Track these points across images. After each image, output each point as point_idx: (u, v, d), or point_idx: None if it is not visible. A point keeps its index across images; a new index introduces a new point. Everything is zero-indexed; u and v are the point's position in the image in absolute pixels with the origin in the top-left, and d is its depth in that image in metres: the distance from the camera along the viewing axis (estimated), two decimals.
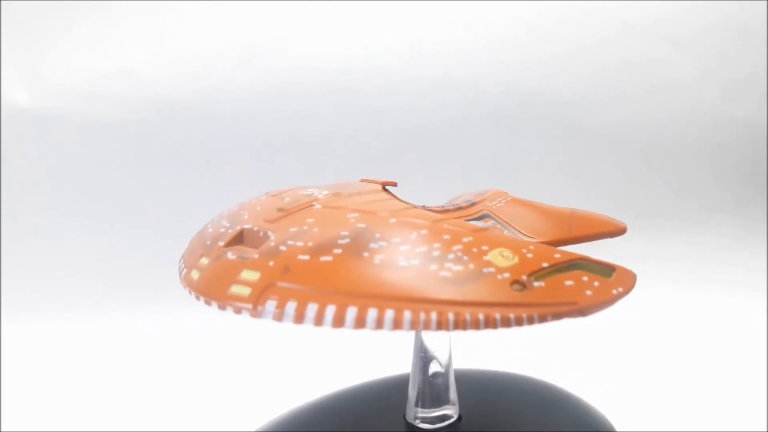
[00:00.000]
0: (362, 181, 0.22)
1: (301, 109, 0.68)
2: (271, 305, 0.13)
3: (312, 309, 0.13)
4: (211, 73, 0.68)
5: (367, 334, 0.13)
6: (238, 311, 0.13)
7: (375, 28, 0.71)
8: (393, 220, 0.15)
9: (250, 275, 0.14)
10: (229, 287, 0.14)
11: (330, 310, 0.13)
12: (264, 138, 0.67)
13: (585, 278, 0.15)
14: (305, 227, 0.15)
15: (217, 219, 0.18)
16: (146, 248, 0.56)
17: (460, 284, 0.14)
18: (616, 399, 0.32)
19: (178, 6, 0.68)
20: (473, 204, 0.21)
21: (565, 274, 0.15)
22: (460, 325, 0.13)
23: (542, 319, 0.14)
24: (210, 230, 0.17)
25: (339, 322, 0.12)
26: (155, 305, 0.47)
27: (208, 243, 0.16)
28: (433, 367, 0.21)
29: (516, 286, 0.14)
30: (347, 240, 0.14)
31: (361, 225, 0.15)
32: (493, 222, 0.21)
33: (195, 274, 0.15)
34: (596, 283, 0.15)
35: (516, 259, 0.15)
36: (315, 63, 0.69)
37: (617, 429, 0.29)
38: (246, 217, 0.16)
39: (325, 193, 0.18)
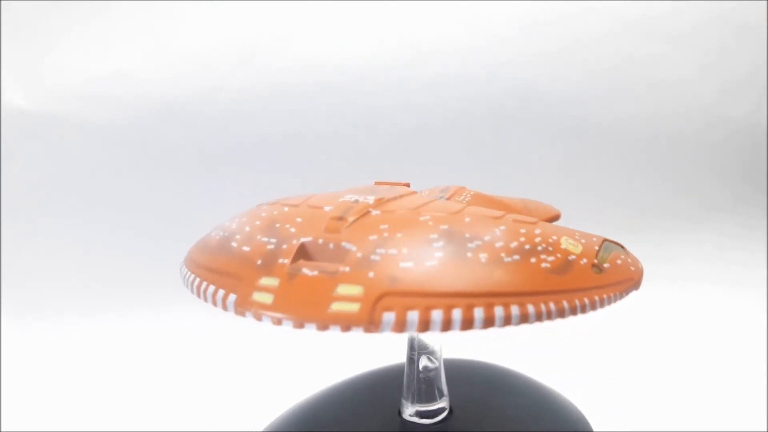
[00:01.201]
0: (377, 183, 0.21)
1: (300, 109, 0.68)
2: (388, 317, 0.12)
3: (437, 314, 0.12)
4: (210, 74, 0.68)
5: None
6: (346, 329, 0.13)
7: (374, 28, 0.71)
8: (468, 219, 0.15)
9: (350, 290, 0.13)
10: (329, 306, 0.13)
11: (457, 314, 0.13)
12: (263, 138, 0.67)
13: (622, 256, 0.17)
14: (385, 234, 0.14)
15: (243, 236, 0.16)
16: (144, 249, 0.56)
17: (561, 273, 0.14)
18: (616, 399, 0.32)
19: (175, 7, 0.68)
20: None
21: (611, 254, 0.16)
22: (571, 311, 0.14)
23: (620, 297, 0.15)
24: (245, 249, 0.15)
25: (468, 324, 0.13)
26: (153, 306, 0.47)
27: (260, 262, 0.14)
28: (427, 362, 0.21)
29: (595, 269, 0.15)
30: (441, 243, 0.14)
31: (443, 227, 0.15)
32: None
33: (264, 297, 0.14)
34: (629, 259, 0.17)
35: (580, 246, 0.16)
36: (314, 63, 0.69)
37: (618, 429, 0.29)
38: (293, 230, 0.15)
39: (369, 197, 0.17)
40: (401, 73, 0.71)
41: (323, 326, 0.13)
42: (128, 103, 0.66)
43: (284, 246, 0.15)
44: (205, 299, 0.15)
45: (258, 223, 0.16)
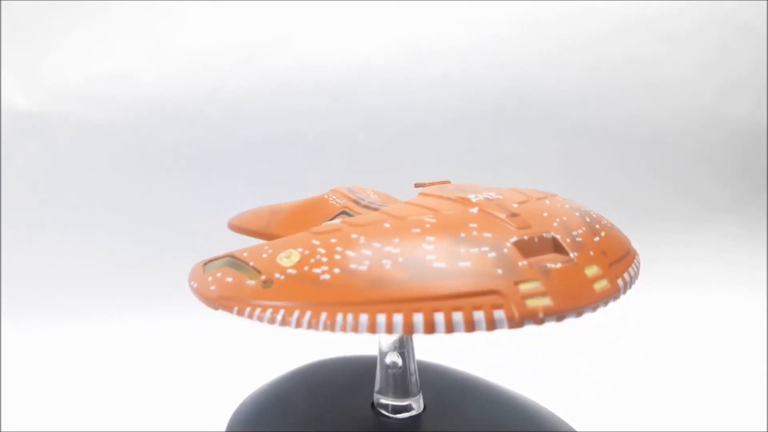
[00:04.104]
0: (416, 185, 0.22)
1: (301, 109, 0.68)
2: (620, 283, 0.16)
3: (633, 270, 0.17)
4: (209, 75, 0.68)
5: None
6: (605, 304, 0.15)
7: (374, 29, 0.71)
8: (559, 197, 0.19)
9: (593, 270, 0.15)
10: (593, 289, 0.15)
11: (633, 268, 0.17)
12: (263, 139, 0.67)
13: None
14: (557, 220, 0.17)
15: (442, 254, 0.15)
16: (144, 249, 0.56)
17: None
18: (618, 397, 0.32)
19: (175, 8, 0.68)
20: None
21: None
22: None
23: None
24: (464, 264, 0.14)
25: (636, 275, 0.17)
26: (153, 306, 0.47)
27: (500, 272, 0.14)
28: (401, 359, 0.22)
29: None
30: (587, 218, 0.18)
31: (567, 206, 0.18)
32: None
33: (542, 301, 0.14)
34: None
35: None
36: (314, 63, 0.69)
37: (620, 429, 0.29)
38: (489, 235, 0.15)
39: (490, 194, 0.18)
40: (401, 73, 0.71)
41: (595, 308, 0.14)
42: (128, 103, 0.66)
43: (504, 250, 0.15)
44: (451, 329, 0.13)
45: (432, 238, 0.15)
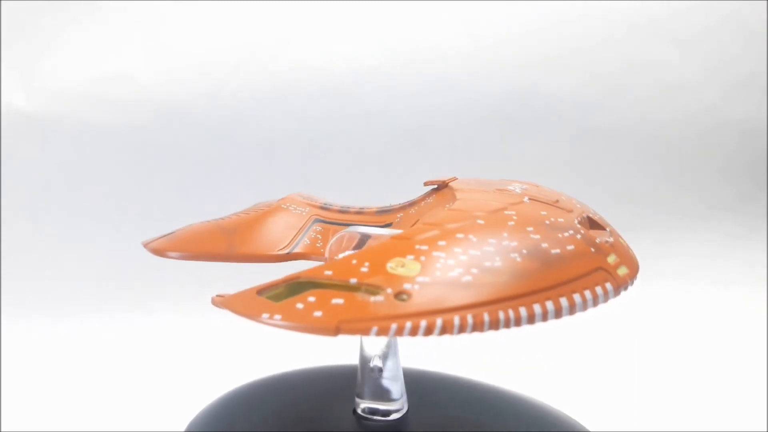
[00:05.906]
0: (426, 183, 0.23)
1: (300, 111, 0.68)
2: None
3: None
4: (209, 77, 0.68)
5: None
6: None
7: (372, 31, 0.71)
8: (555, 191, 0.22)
9: (623, 241, 0.18)
10: (632, 255, 0.18)
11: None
12: (262, 140, 0.67)
13: None
14: (577, 204, 0.19)
15: (551, 243, 0.16)
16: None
17: None
18: (619, 396, 0.32)
19: (176, 9, 0.68)
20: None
21: None
22: None
23: None
24: (570, 247, 0.16)
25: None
26: (153, 306, 0.47)
27: (593, 250, 0.16)
28: (381, 362, 0.22)
29: None
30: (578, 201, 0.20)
31: (558, 192, 0.21)
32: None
33: (624, 269, 0.16)
34: None
35: None
36: (314, 66, 0.69)
37: (616, 429, 0.29)
38: (562, 220, 0.17)
39: (516, 185, 0.21)
40: (400, 75, 0.71)
41: (638, 273, 0.17)
42: (128, 104, 0.66)
43: (582, 231, 0.17)
44: (585, 307, 0.15)
45: (531, 228, 0.16)
